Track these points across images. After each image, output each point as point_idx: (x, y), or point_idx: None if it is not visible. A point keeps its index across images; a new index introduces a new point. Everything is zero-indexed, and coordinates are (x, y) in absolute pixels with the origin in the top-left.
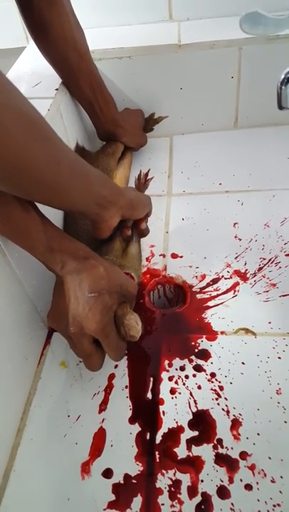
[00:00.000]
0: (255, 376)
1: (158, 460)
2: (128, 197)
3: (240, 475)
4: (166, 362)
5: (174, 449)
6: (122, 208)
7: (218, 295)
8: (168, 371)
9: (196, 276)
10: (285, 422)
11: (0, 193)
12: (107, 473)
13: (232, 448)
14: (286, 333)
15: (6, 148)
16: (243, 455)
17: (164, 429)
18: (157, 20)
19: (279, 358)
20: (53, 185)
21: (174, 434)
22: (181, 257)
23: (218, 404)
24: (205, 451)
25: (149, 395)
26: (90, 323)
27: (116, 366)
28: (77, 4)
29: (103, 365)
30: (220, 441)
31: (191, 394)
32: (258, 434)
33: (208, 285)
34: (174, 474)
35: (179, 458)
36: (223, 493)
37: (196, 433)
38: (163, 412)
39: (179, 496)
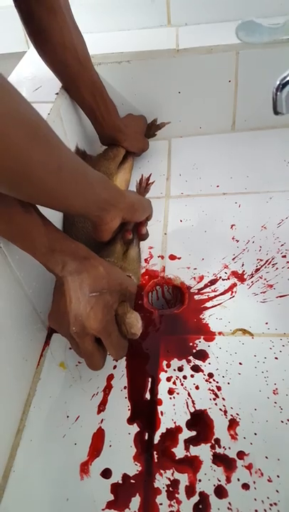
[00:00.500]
0: (253, 376)
1: (156, 460)
2: (129, 200)
3: (237, 474)
4: (165, 362)
5: (172, 449)
6: (122, 210)
7: (215, 296)
8: (166, 372)
9: (194, 278)
10: (282, 421)
11: (1, 195)
12: (106, 474)
13: (229, 448)
14: (283, 334)
15: (8, 153)
16: (241, 455)
17: (162, 430)
18: (156, 26)
19: (276, 358)
20: (55, 189)
21: (172, 434)
22: (180, 258)
23: (215, 404)
24: (203, 451)
25: (148, 396)
26: (92, 322)
27: (115, 367)
28: (76, 9)
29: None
30: (217, 441)
31: (189, 394)
32: (255, 433)
33: (206, 286)
34: (172, 474)
35: (177, 458)
36: (220, 492)
37: (193, 433)
38: (161, 412)
39: (177, 495)
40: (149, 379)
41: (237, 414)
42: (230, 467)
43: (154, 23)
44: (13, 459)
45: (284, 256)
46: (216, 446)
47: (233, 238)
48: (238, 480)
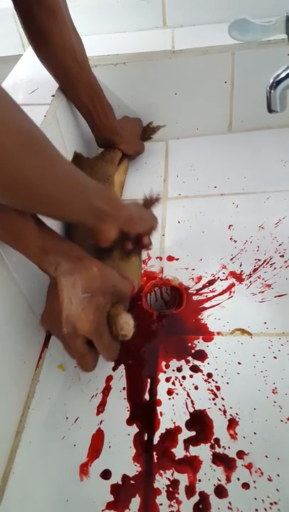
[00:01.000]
0: (252, 376)
1: (156, 460)
2: (127, 211)
3: (237, 474)
4: (164, 363)
5: (172, 450)
6: (119, 221)
7: (214, 296)
8: (165, 372)
9: (192, 278)
10: (281, 420)
11: None
12: (106, 475)
13: (229, 447)
14: (281, 333)
15: (5, 164)
16: (240, 454)
17: (161, 430)
18: (151, 27)
19: (274, 357)
20: (51, 200)
21: (171, 434)
22: (178, 259)
23: (214, 404)
24: (202, 451)
25: (147, 396)
26: (83, 323)
27: (114, 368)
28: (73, 12)
29: (101, 368)
30: (217, 440)
31: (188, 394)
32: (255, 433)
33: (204, 287)
34: (172, 474)
35: (176, 458)
36: (220, 492)
37: (193, 433)
38: (160, 412)
39: (177, 495)
40: (148, 380)
41: (236, 413)
42: (230, 467)
43: (149, 24)
44: (12, 460)
45: (282, 256)
46: (216, 446)
47: (230, 238)
48: (238, 479)
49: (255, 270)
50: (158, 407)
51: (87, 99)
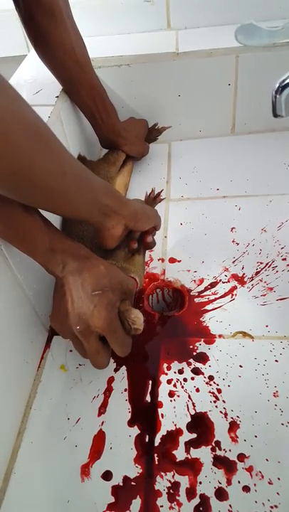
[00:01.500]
0: (253, 379)
1: (157, 462)
2: (132, 207)
3: (238, 477)
4: (165, 365)
5: (173, 452)
6: (125, 217)
7: (216, 299)
8: (166, 374)
9: (194, 281)
10: (282, 424)
11: (2, 197)
12: (107, 476)
13: (230, 450)
14: (283, 337)
15: (12, 158)
16: (241, 457)
17: (162, 432)
18: (156, 29)
19: (276, 361)
20: (57, 194)
21: (172, 436)
22: (180, 261)
23: (216, 406)
24: (203, 454)
25: (148, 398)
26: (97, 320)
27: (115, 370)
28: (76, 13)
29: (102, 369)
30: (218, 443)
31: (189, 397)
32: (256, 436)
33: (206, 289)
34: (173, 476)
35: (177, 460)
36: (221, 494)
37: (194, 435)
38: (162, 414)
39: (177, 497)
40: (150, 381)
41: (237, 416)
42: (231, 469)
43: (154, 26)
44: (14, 461)
45: (284, 259)
46: (217, 448)
47: (233, 241)
48: (239, 482)
49: (257, 273)
50: (159, 409)
51: (90, 100)
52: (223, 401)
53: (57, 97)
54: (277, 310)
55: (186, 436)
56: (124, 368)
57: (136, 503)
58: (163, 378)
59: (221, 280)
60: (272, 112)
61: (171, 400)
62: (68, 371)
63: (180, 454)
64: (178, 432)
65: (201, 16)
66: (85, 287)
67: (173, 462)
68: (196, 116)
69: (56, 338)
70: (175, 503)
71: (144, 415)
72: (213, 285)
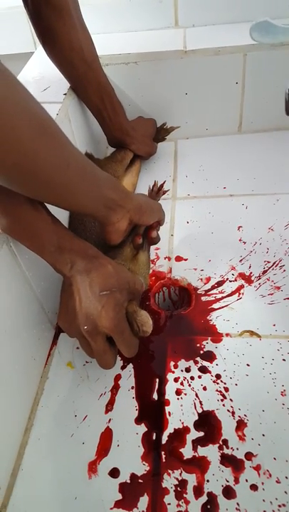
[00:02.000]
0: (260, 378)
1: (164, 460)
2: (137, 201)
3: (245, 475)
4: (172, 363)
5: (180, 450)
6: (130, 211)
7: (222, 297)
8: (173, 372)
9: (201, 279)
10: None
11: (11, 194)
12: (114, 473)
13: (237, 448)
14: None
15: (17, 150)
16: (249, 456)
17: (169, 430)
18: (163, 27)
19: (283, 360)
20: (62, 187)
21: (179, 434)
22: (186, 259)
23: (223, 405)
24: (210, 452)
25: (155, 396)
26: (105, 320)
27: (122, 367)
28: (84, 10)
29: None
30: (225, 441)
31: (196, 395)
32: (263, 435)
33: (212, 288)
34: (180, 474)
35: (184, 458)
36: (228, 493)
37: (201, 433)
38: (169, 412)
39: (185, 495)
40: (157, 379)
41: (245, 415)
42: (239, 468)
43: (161, 24)
44: (21, 457)
45: None
46: (224, 446)
47: (240, 240)
48: (247, 481)
49: (264, 272)
50: (166, 407)
51: (97, 98)
52: (231, 399)
53: (65, 94)
54: (285, 309)
55: (194, 434)
56: (131, 365)
57: (143, 501)
58: (170, 376)
59: (227, 279)
60: (285, 110)
61: (178, 398)
62: (75, 368)
63: (187, 452)
64: (185, 430)
65: (208, 14)
66: (93, 287)
67: (180, 460)
68: (202, 115)
69: (63, 335)
70: (182, 500)
71: (151, 413)
72: (220, 284)
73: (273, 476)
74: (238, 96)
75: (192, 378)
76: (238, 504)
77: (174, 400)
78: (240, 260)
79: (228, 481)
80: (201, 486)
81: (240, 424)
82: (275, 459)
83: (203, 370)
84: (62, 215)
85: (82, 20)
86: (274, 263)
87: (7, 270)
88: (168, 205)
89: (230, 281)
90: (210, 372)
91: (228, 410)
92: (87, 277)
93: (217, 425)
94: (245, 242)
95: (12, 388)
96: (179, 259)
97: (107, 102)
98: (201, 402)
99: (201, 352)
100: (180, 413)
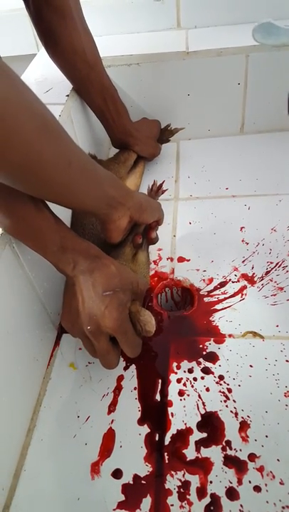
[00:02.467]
0: (263, 379)
1: (167, 461)
2: (137, 199)
3: (248, 477)
4: (175, 364)
5: (183, 451)
6: (130, 209)
7: (225, 298)
8: (176, 373)
9: (204, 280)
10: None
11: (14, 194)
12: (117, 474)
13: (240, 450)
14: None
15: (18, 147)
16: (252, 457)
17: (172, 431)
18: (165, 28)
19: (287, 361)
20: (64, 184)
21: (182, 435)
22: (189, 260)
23: (226, 406)
24: (214, 453)
25: (158, 397)
26: (108, 320)
27: (125, 368)
28: (86, 12)
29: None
30: (228, 443)
31: (199, 396)
32: (266, 436)
33: (215, 288)
34: (183, 475)
35: (187, 459)
36: (232, 494)
37: (204, 435)
38: (171, 413)
39: (188, 496)
40: (159, 380)
41: (248, 416)
42: (242, 469)
43: (163, 25)
44: (24, 458)
45: None
46: (227, 448)
47: (242, 241)
48: (250, 482)
49: (267, 273)
50: (169, 408)
51: (100, 100)
52: (234, 400)
53: (67, 95)
54: (288, 310)
55: (197, 435)
56: (133, 366)
57: (146, 502)
58: (173, 377)
59: (230, 280)
60: (287, 111)
61: (181, 399)
62: (78, 369)
63: (190, 453)
64: (188, 431)
65: (211, 15)
66: (96, 287)
67: (183, 461)
68: (205, 116)
69: (65, 336)
70: (186, 502)
71: (154, 414)
72: (222, 284)
73: (277, 477)
74: (241, 97)
75: (195, 379)
76: (241, 506)
77: (177, 401)
78: (243, 261)
79: (231, 483)
80: (204, 487)
81: (244, 425)
82: (278, 460)
83: (206, 371)
84: (64, 216)
85: (84, 22)
86: (277, 264)
87: (10, 271)
88: (170, 205)
89: (232, 282)
90: (213, 373)
91: (231, 411)
92: (90, 277)
93: (220, 426)
94: (247, 243)
95: (15, 389)
96: (181, 259)
97: (110, 104)
98: (204, 403)
99: (204, 353)
100: (183, 414)
